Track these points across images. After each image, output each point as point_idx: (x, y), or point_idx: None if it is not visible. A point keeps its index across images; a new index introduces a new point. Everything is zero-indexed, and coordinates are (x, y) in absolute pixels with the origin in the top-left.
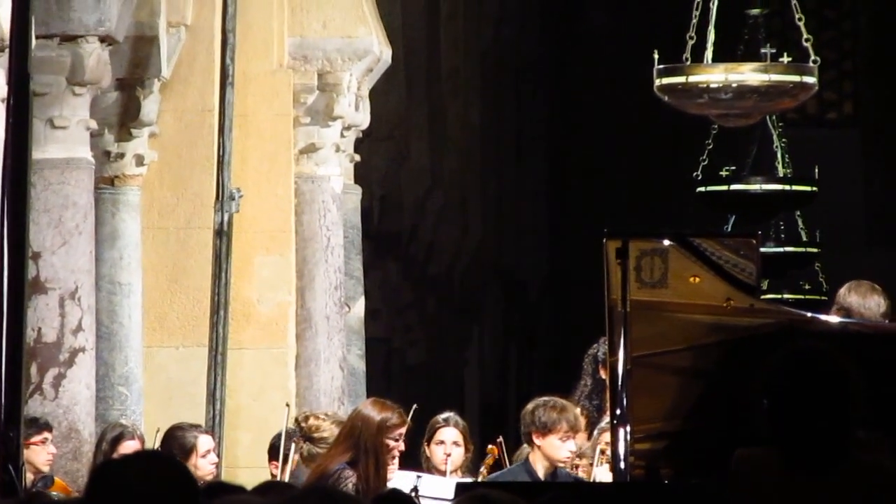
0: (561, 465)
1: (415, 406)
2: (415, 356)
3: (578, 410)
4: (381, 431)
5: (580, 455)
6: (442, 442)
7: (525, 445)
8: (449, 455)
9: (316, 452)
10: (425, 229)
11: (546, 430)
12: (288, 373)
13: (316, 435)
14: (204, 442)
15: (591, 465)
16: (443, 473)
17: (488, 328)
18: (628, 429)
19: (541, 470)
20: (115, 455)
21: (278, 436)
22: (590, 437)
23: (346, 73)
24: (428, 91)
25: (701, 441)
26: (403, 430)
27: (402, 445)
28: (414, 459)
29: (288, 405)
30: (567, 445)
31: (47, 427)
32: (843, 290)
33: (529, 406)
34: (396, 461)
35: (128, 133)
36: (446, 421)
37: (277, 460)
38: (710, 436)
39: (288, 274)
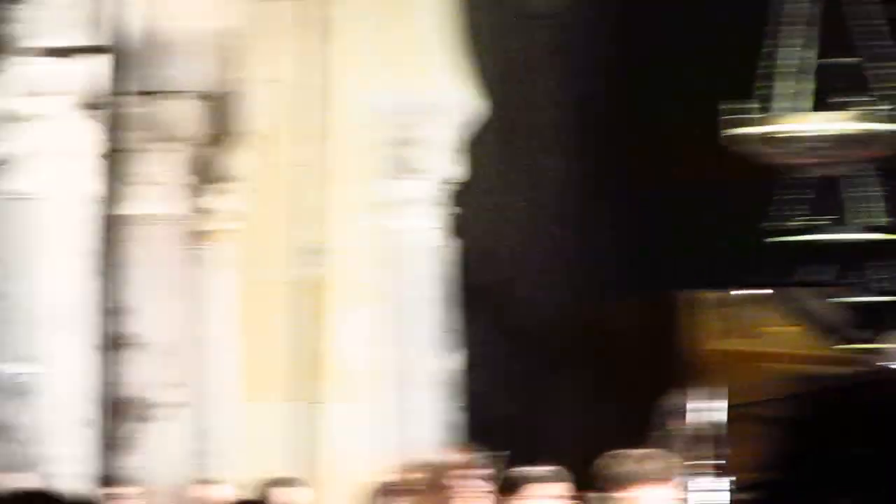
0: None
1: (503, 453)
2: (508, 409)
3: (669, 461)
4: (455, 474)
5: None
6: (551, 497)
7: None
8: None
9: None
10: (521, 283)
11: (635, 481)
12: (383, 427)
13: (413, 489)
14: (302, 496)
15: None
16: None
17: (580, 381)
18: (725, 479)
19: None
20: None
21: (375, 490)
22: (679, 488)
23: (435, 126)
24: (517, 143)
25: (797, 490)
26: (476, 469)
27: (482, 485)
28: None
29: (376, 462)
30: (657, 494)
31: (132, 483)
32: None
33: (610, 460)
34: (478, 500)
35: (217, 188)
36: (551, 476)
37: None
38: (806, 485)
39: (380, 328)
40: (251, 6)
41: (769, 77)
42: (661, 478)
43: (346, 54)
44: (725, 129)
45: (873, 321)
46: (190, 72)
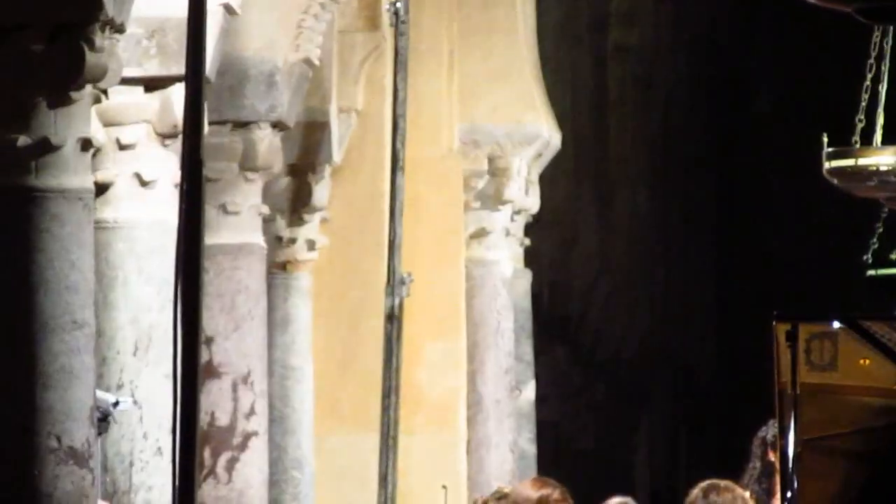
0: None
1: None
2: (584, 441)
3: (748, 494)
4: None
5: None
6: None
7: None
8: None
9: None
10: (594, 314)
11: None
12: (459, 457)
13: None
14: None
15: None
16: None
17: (657, 413)
18: None
19: None
20: None
21: None
22: None
23: (515, 158)
24: (596, 176)
25: None
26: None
27: None
28: None
29: (445, 487)
30: None
31: None
32: None
33: (697, 491)
34: None
35: (299, 218)
36: None
37: None
38: None
39: (458, 358)
40: (328, 37)
41: (869, 110)
42: None
43: (424, 85)
44: (824, 161)
45: None
46: (268, 102)
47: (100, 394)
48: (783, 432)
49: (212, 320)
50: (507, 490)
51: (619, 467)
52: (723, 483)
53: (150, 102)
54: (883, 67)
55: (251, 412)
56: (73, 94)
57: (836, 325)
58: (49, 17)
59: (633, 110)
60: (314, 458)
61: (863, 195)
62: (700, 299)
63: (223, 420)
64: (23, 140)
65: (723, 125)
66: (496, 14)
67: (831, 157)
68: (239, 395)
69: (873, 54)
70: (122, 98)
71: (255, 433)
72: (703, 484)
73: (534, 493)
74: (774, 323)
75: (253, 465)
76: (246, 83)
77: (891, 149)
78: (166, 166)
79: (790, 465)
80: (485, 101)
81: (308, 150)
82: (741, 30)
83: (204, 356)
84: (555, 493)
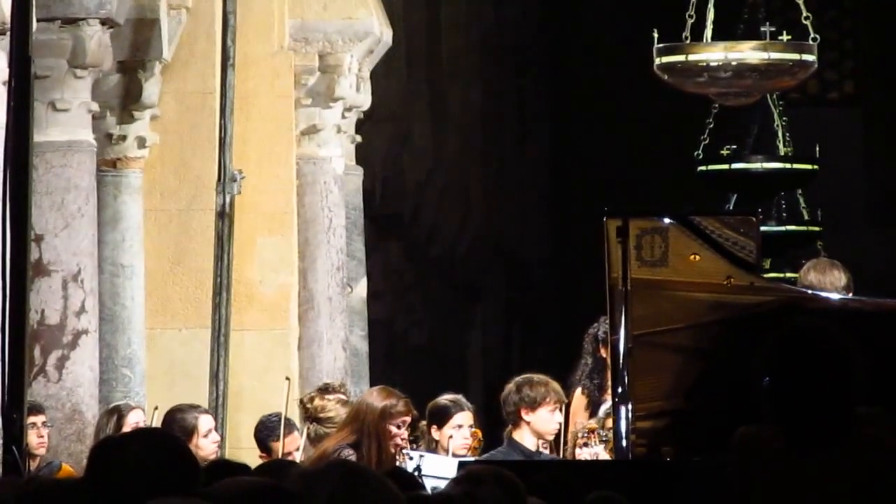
0: (549, 438)
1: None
2: (417, 337)
3: (580, 390)
4: (384, 418)
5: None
6: (460, 426)
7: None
8: (469, 438)
9: (323, 433)
10: (427, 210)
11: (536, 404)
12: (290, 354)
13: (322, 415)
14: (204, 422)
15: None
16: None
17: (491, 309)
18: (630, 407)
19: (530, 446)
20: (123, 426)
21: (261, 425)
22: (591, 416)
23: (346, 55)
24: (428, 72)
25: (702, 419)
26: (408, 419)
27: (404, 434)
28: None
29: (288, 378)
30: (556, 417)
31: (39, 410)
32: (803, 270)
33: (511, 386)
34: (401, 449)
35: (129, 116)
36: (458, 405)
37: (265, 451)
38: (712, 414)
39: (290, 255)
40: None
41: (700, 6)
42: (561, 398)
43: None
44: (655, 57)
45: (785, 250)
46: None
47: None
48: (614, 328)
49: (41, 218)
50: (334, 384)
51: (453, 364)
52: (536, 377)
53: None
54: None
55: (81, 310)
56: None
57: (667, 220)
58: None
59: (466, 4)
60: (145, 356)
61: (693, 91)
62: (534, 194)
63: (53, 318)
64: None
65: (556, 19)
66: None
67: (662, 52)
68: (69, 293)
69: None
70: None
71: (86, 331)
72: (518, 378)
73: (378, 403)
74: (605, 218)
75: (83, 364)
76: None
77: (720, 45)
78: None
79: (621, 360)
80: None
81: (138, 47)
82: None
83: (33, 254)
84: (399, 404)
